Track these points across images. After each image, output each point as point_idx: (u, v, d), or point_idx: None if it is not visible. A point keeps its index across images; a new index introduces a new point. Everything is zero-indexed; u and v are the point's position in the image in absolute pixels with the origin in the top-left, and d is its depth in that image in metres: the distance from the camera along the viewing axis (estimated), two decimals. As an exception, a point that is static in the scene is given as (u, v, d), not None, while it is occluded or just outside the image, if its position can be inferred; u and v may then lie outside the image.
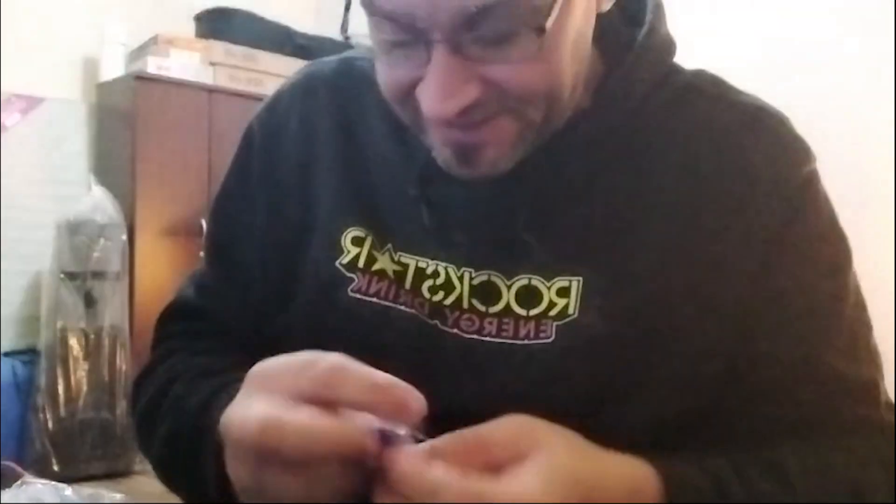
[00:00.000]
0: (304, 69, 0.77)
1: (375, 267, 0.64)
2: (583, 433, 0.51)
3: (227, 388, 0.56)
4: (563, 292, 0.60)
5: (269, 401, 0.46)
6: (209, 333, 0.73)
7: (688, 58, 0.69)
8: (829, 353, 0.62)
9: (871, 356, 0.65)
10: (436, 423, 0.50)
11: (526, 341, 0.60)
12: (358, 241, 0.65)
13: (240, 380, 0.51)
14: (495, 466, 0.45)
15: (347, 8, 0.57)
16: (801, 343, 0.62)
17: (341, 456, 0.45)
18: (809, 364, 0.62)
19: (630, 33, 0.64)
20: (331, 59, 0.75)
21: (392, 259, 0.64)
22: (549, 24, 0.51)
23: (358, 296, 0.63)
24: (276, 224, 0.70)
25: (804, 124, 0.68)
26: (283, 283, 0.69)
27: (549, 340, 0.59)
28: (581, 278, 0.60)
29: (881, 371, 0.66)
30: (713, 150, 0.63)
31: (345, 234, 0.65)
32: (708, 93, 0.66)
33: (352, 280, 0.64)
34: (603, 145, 0.62)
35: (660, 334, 0.59)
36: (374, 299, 0.63)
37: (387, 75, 0.57)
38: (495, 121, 0.55)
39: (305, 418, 0.44)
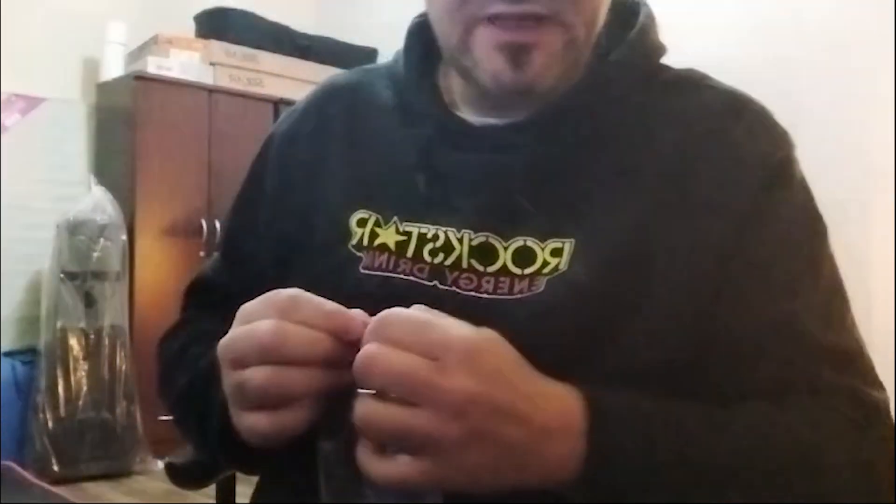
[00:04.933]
0: (324, 80, 0.85)
1: (377, 242, 0.70)
2: (567, 380, 0.55)
3: None
4: (557, 252, 0.65)
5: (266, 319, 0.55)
6: (219, 306, 0.79)
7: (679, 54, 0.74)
8: (804, 316, 0.64)
9: (850, 329, 0.66)
10: None
11: (519, 296, 0.64)
12: (362, 223, 0.71)
13: None
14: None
15: None
16: (775, 304, 0.64)
17: (334, 349, 0.53)
18: (783, 325, 0.63)
19: (622, 35, 0.72)
20: (349, 70, 0.85)
21: (397, 230, 0.70)
22: None
23: (366, 272, 0.69)
24: (282, 216, 0.78)
25: (804, 122, 0.69)
26: (284, 266, 0.76)
27: (539, 291, 0.63)
28: (573, 240, 0.64)
29: (864, 347, 0.66)
30: (700, 130, 0.68)
31: (351, 217, 0.72)
32: (697, 82, 0.73)
33: (360, 259, 0.70)
34: (595, 121, 0.68)
35: (639, 287, 0.63)
36: (378, 272, 0.69)
37: None
38: (546, 25, 0.64)
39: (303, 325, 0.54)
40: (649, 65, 0.72)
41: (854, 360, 0.65)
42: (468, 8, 0.64)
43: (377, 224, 0.70)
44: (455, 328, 0.51)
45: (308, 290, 0.70)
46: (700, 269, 0.64)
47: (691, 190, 0.66)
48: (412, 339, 0.50)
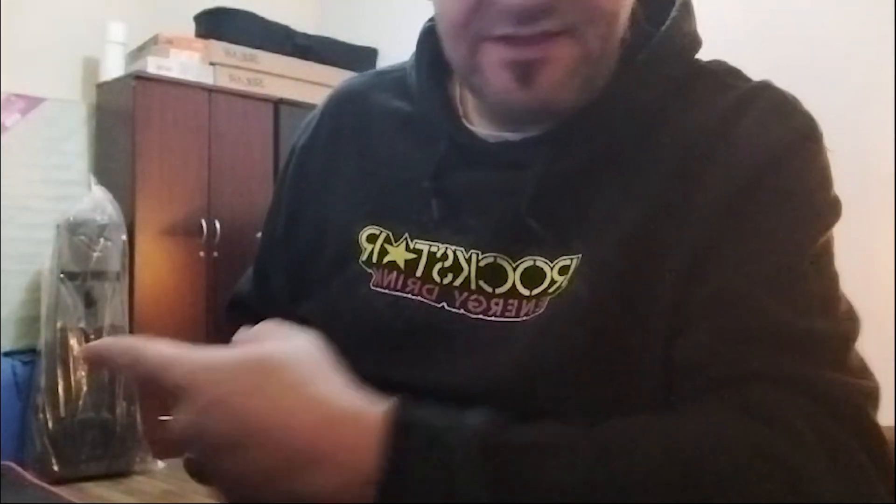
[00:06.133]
0: (342, 82, 0.83)
1: (386, 259, 0.69)
2: (573, 404, 0.55)
3: None
4: (564, 270, 0.62)
5: None
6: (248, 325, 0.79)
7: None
8: (772, 301, 0.57)
9: (831, 311, 0.59)
10: (442, 402, 0.53)
11: (525, 318, 0.62)
12: (372, 238, 0.70)
13: None
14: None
15: None
16: (740, 287, 0.58)
17: None
18: (744, 310, 0.57)
19: (649, 31, 0.67)
20: (367, 72, 0.83)
21: (408, 248, 0.68)
22: None
23: (376, 289, 0.68)
24: (297, 230, 0.77)
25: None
26: (300, 281, 0.75)
27: (541, 311, 0.61)
28: (580, 255, 0.62)
29: (854, 332, 0.59)
30: (706, 133, 0.63)
31: (360, 233, 0.70)
32: (716, 80, 0.67)
33: (370, 276, 0.69)
34: (611, 134, 0.65)
35: (642, 300, 0.59)
36: (386, 291, 0.68)
37: (452, 2, 0.62)
38: (558, 39, 0.59)
39: None
40: (675, 67, 0.67)
41: (830, 345, 0.57)
42: (474, 27, 0.61)
43: (388, 241, 0.69)
44: (196, 362, 0.50)
45: (322, 307, 0.71)
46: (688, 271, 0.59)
47: (689, 197, 0.61)
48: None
